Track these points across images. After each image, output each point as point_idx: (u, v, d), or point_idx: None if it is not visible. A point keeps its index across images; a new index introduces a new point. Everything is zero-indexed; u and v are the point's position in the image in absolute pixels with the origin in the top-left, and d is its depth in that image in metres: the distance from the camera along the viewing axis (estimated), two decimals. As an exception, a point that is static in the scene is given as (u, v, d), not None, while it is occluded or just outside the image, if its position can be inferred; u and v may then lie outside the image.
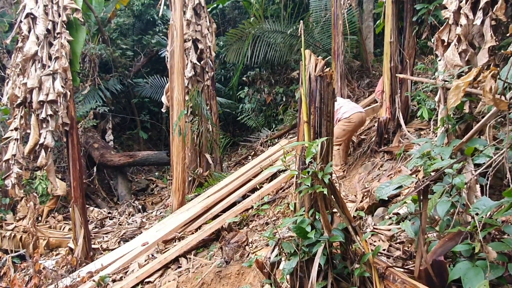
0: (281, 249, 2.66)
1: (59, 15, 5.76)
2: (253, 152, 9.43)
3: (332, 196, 2.42)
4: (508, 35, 2.51)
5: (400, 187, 2.52)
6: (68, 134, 5.87)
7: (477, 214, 2.12)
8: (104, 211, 8.73)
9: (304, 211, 2.58)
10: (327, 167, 2.37)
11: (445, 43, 3.52)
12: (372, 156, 5.54)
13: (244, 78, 10.93)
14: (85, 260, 5.71)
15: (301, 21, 2.83)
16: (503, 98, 2.06)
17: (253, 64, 10.21)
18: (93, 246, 6.26)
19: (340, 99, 5.65)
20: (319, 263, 2.33)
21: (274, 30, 9.53)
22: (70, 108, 5.84)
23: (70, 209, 6.03)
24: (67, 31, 5.80)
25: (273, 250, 2.73)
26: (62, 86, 5.63)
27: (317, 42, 9.39)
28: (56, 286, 4.82)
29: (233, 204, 5.65)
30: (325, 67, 2.65)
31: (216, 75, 9.99)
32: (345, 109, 5.31)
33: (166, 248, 5.31)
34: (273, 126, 10.27)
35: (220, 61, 12.08)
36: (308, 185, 2.32)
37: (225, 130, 10.93)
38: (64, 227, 7.50)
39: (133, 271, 4.97)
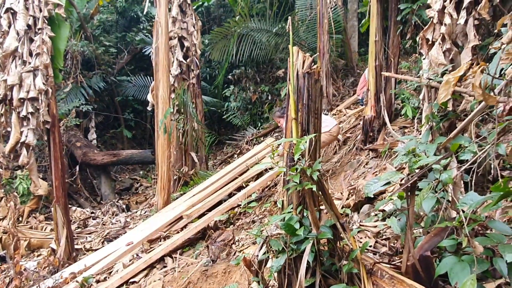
0: (269, 247, 2.65)
1: (41, 10, 5.62)
2: (238, 151, 9.41)
3: (320, 193, 2.42)
4: (495, 31, 2.55)
5: (388, 183, 2.53)
6: (50, 132, 5.74)
7: (463, 211, 2.14)
8: (87, 211, 8.58)
9: (292, 208, 2.58)
10: (316, 164, 2.37)
11: (430, 42, 3.57)
12: (358, 154, 5.60)
13: (229, 77, 10.89)
14: (67, 261, 5.60)
15: (289, 17, 2.83)
16: (491, 93, 2.09)
17: (239, 62, 10.18)
18: (76, 246, 6.14)
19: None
20: (308, 260, 2.33)
21: (259, 28, 9.53)
22: (52, 105, 5.71)
23: (52, 209, 5.90)
24: (49, 27, 5.66)
25: (261, 248, 2.72)
26: (43, 83, 5.50)
27: (302, 41, 9.43)
28: (38, 287, 4.71)
29: (219, 203, 5.62)
30: (312, 64, 2.65)
31: (201, 73, 9.92)
32: (326, 123, 5.33)
33: (151, 247, 5.24)
34: (259, 125, 10.27)
35: (205, 59, 12.01)
36: (296, 182, 2.32)
37: (210, 129, 10.87)
38: (45, 228, 7.35)
39: (117, 271, 4.89)
